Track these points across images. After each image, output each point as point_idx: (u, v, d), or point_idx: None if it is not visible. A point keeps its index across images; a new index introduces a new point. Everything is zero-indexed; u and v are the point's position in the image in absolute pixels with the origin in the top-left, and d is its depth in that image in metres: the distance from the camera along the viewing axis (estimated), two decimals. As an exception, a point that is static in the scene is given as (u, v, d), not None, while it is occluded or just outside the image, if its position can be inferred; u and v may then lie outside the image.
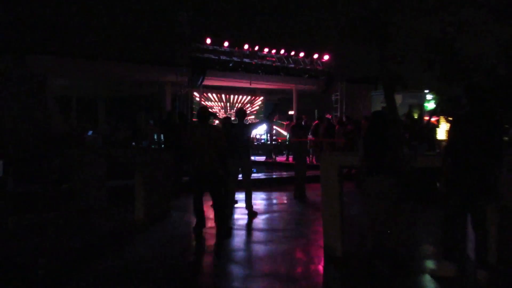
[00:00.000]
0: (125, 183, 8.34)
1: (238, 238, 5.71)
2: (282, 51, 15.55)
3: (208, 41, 14.00)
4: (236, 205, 7.53)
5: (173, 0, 16.09)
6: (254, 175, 9.88)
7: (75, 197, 7.42)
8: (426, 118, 9.96)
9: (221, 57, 14.41)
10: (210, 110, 6.76)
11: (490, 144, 3.85)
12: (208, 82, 15.55)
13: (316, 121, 14.45)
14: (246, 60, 14.90)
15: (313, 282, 4.24)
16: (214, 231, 5.70)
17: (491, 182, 3.87)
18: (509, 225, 4.34)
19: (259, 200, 8.37)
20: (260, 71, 15.55)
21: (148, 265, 4.53)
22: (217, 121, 8.18)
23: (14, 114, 11.72)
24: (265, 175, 11.64)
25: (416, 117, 9.51)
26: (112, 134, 14.62)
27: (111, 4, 16.85)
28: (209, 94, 18.67)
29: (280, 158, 15.71)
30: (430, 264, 4.53)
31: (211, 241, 5.50)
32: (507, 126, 8.05)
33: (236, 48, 14.61)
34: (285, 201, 8.58)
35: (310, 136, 13.34)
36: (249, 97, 19.81)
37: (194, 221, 5.84)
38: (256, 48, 14.90)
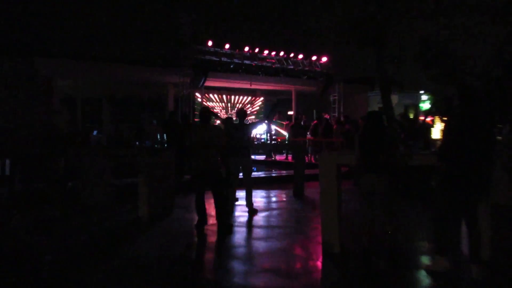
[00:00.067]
0: (129, 182, 8.35)
1: (239, 235, 5.71)
2: (282, 53, 15.57)
3: (210, 43, 14.02)
4: (236, 203, 7.54)
5: (175, 4, 16.07)
6: (254, 174, 9.89)
7: (80, 195, 7.42)
8: (422, 118, 9.96)
9: (222, 59, 14.42)
10: (211, 110, 6.75)
11: (482, 144, 3.86)
12: (209, 83, 15.56)
13: (315, 121, 14.46)
14: (247, 61, 14.92)
15: (311, 277, 4.24)
16: (215, 228, 5.70)
17: (483, 180, 3.88)
18: (502, 222, 4.34)
19: (259, 198, 8.37)
20: (260, 73, 15.57)
21: (152, 261, 4.53)
22: (218, 121, 8.17)
23: (20, 114, 11.71)
24: (265, 174, 11.64)
25: (411, 117, 9.50)
26: (116, 134, 14.61)
27: (116, 8, 16.85)
28: (211, 95, 18.67)
29: (280, 157, 15.72)
30: (425, 259, 4.53)
31: (212, 238, 5.51)
32: (500, 126, 8.04)
33: (237, 50, 14.62)
34: (285, 199, 8.58)
35: (309, 136, 13.34)
36: (249, 98, 19.81)
37: (196, 218, 5.84)
38: (256, 50, 14.91)
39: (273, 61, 15.45)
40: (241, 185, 7.20)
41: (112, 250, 4.97)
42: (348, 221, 5.73)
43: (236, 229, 5.93)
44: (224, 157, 5.97)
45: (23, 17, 15.83)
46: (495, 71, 14.56)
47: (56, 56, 14.00)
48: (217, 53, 14.30)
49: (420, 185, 6.77)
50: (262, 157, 15.88)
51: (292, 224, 6.46)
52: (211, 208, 6.24)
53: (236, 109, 18.68)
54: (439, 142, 4.80)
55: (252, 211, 6.92)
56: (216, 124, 9.10)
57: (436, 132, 9.19)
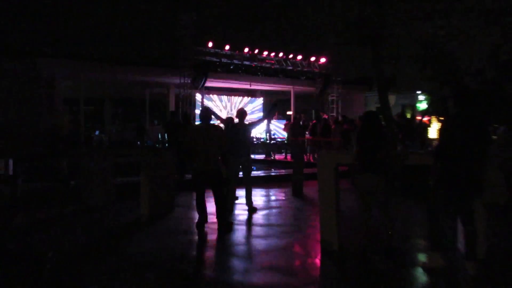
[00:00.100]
0: (130, 181, 8.35)
1: (239, 233, 5.71)
2: (281, 54, 15.57)
3: (210, 44, 14.03)
4: (236, 201, 7.54)
5: (176, 6, 16.09)
6: (254, 173, 9.88)
7: (82, 194, 7.42)
8: (419, 117, 9.98)
9: (223, 60, 14.44)
10: (212, 110, 6.76)
11: (477, 144, 3.87)
12: (210, 83, 15.56)
13: (314, 121, 14.47)
14: (246, 62, 14.93)
15: (310, 274, 4.25)
16: (216, 226, 5.71)
17: (477, 179, 3.89)
18: (497, 220, 4.35)
19: (258, 196, 8.37)
20: (259, 73, 15.60)
21: (153, 258, 4.54)
22: (218, 121, 8.17)
23: (24, 114, 11.73)
24: (264, 173, 11.64)
25: (409, 116, 9.52)
26: (118, 134, 14.63)
27: (118, 11, 16.87)
28: (211, 95, 18.67)
29: (279, 156, 15.71)
30: (421, 256, 4.53)
31: (213, 236, 5.51)
32: (496, 125, 8.05)
33: (237, 51, 14.63)
34: (284, 198, 8.58)
35: (307, 135, 13.35)
36: (249, 98, 19.81)
37: (196, 217, 5.84)
38: (256, 51, 14.91)
39: (273, 62, 15.45)
40: (241, 184, 7.21)
41: (114, 248, 4.97)
42: (346, 219, 5.74)
43: (236, 227, 5.93)
44: (225, 157, 5.97)
45: (27, 18, 15.85)
46: (491, 72, 14.58)
47: (59, 57, 14.00)
48: (217, 54, 14.31)
49: (417, 184, 6.77)
50: (261, 156, 15.88)
51: (291, 222, 6.47)
52: (211, 207, 6.24)
53: (236, 109, 18.68)
54: (435, 142, 4.81)
55: (252, 210, 6.92)
56: (217, 124, 9.09)
57: (433, 131, 9.20)
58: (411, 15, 12.88)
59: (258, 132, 17.88)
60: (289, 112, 19.47)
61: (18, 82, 12.01)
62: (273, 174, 11.61)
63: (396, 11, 12.90)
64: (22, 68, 12.16)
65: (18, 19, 15.39)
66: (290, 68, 15.89)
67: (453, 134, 3.94)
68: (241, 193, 7.43)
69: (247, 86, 17.38)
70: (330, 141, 13.07)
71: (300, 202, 8.00)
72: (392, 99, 15.74)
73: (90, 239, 5.38)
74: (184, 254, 4.80)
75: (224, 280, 4.02)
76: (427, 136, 9.14)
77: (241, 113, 7.29)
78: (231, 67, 14.77)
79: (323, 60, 16.49)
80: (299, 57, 15.94)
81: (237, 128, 7.05)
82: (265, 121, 13.97)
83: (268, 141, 17.33)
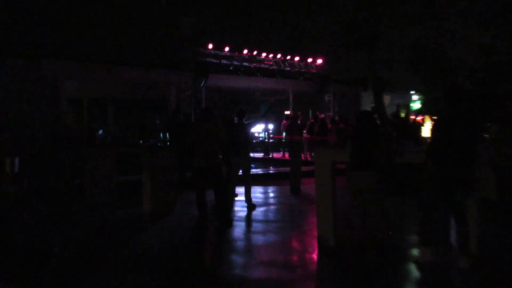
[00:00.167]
0: (133, 179, 8.33)
1: (238, 229, 5.71)
2: (279, 56, 15.58)
3: (210, 46, 14.04)
4: (236, 198, 7.53)
5: (177, 8, 16.08)
6: (253, 171, 9.88)
7: (86, 192, 7.41)
8: (412, 117, 9.97)
9: (222, 61, 14.43)
10: (212, 110, 6.74)
11: (467, 142, 3.87)
12: (210, 84, 15.54)
13: (311, 120, 14.47)
14: (246, 63, 14.93)
15: (307, 269, 4.26)
16: (216, 223, 5.70)
17: (468, 177, 3.90)
18: (489, 216, 4.35)
19: (257, 193, 8.36)
20: (258, 74, 15.57)
21: (155, 254, 4.54)
22: (218, 121, 8.14)
23: (29, 114, 11.69)
24: (263, 171, 11.63)
25: (403, 116, 9.50)
26: (121, 133, 14.60)
27: (121, 13, 16.85)
28: (211, 96, 18.63)
29: (277, 155, 15.71)
30: (414, 252, 4.54)
31: (213, 232, 5.50)
32: (489, 124, 8.04)
33: (236, 52, 14.64)
34: (282, 195, 8.58)
35: (305, 134, 13.32)
36: (248, 98, 19.78)
37: (197, 213, 5.83)
38: (255, 52, 14.92)
39: (271, 63, 15.46)
40: (240, 181, 7.20)
41: (117, 244, 4.97)
42: (342, 216, 5.73)
43: (236, 223, 5.93)
44: (225, 155, 5.96)
45: (31, 19, 15.81)
46: (483, 72, 14.58)
47: (63, 58, 13.96)
48: (217, 55, 14.31)
49: (411, 181, 6.76)
50: (260, 155, 15.88)
51: (289, 219, 6.46)
52: (211, 204, 6.24)
53: (236, 109, 18.66)
54: (429, 140, 4.82)
55: (251, 206, 6.92)
56: (217, 123, 9.07)
57: (426, 130, 9.20)
58: (404, 19, 12.91)
59: (257, 131, 17.87)
60: (287, 112, 19.44)
61: (23, 82, 11.98)
62: (271, 172, 11.61)
63: (390, 14, 12.93)
64: (27, 69, 12.13)
65: (23, 19, 15.34)
66: (288, 69, 15.90)
67: (443, 133, 3.95)
68: (240, 190, 7.43)
69: (246, 87, 17.36)
70: (327, 140, 13.06)
71: (297, 199, 8.00)
72: (387, 99, 15.74)
73: (93, 235, 5.37)
74: (185, 250, 4.79)
75: (225, 274, 4.02)
76: (421, 135, 9.13)
77: (241, 113, 7.28)
78: (231, 68, 14.76)
79: (320, 61, 16.51)
80: (297, 58, 15.95)
81: (237, 127, 7.04)
82: (264, 120, 14.00)
83: (266, 140, 17.32)
